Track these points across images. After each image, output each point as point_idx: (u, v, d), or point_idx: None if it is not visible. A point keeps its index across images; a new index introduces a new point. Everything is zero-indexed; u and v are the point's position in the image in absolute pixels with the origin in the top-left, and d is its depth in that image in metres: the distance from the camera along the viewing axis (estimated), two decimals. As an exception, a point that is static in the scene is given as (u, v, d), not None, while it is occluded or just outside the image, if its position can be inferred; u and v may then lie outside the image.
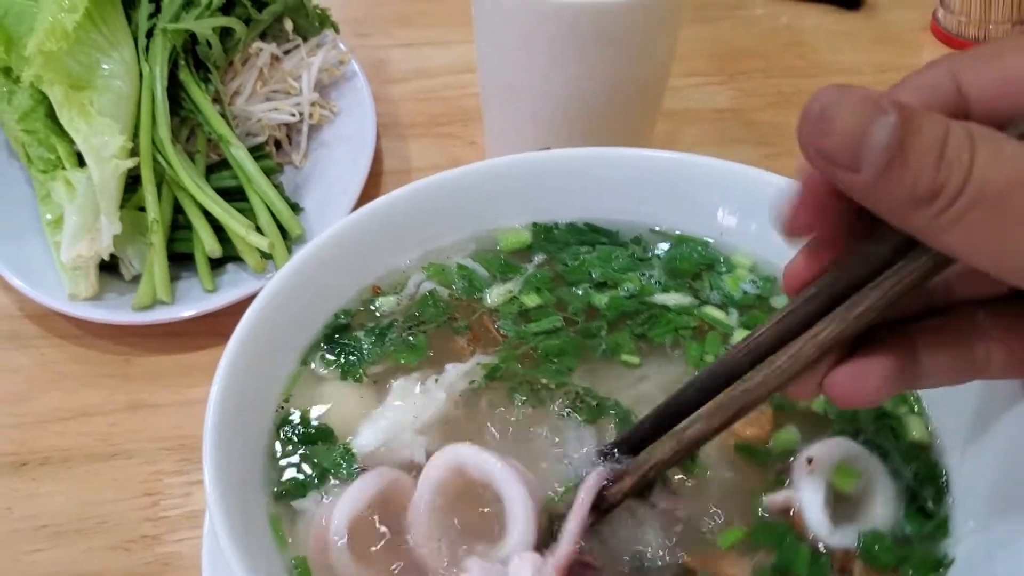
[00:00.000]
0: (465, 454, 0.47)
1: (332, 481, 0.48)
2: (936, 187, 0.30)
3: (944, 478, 0.48)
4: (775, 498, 0.47)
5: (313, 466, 0.49)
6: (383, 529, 0.46)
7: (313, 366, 0.54)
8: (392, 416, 0.50)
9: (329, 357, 0.54)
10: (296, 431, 0.51)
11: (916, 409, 0.50)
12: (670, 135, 0.93)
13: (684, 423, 0.43)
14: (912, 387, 0.39)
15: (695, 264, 0.58)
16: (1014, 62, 0.34)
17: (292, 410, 0.52)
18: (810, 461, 0.47)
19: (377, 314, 0.56)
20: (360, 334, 0.55)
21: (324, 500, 0.48)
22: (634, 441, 0.46)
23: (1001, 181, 0.30)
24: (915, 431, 0.49)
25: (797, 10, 1.12)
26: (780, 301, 0.56)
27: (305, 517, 0.47)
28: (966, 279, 0.39)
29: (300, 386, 0.53)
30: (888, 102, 0.30)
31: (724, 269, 0.58)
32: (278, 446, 0.50)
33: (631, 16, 0.65)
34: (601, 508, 0.45)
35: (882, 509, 0.46)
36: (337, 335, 0.55)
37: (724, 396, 0.41)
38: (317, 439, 0.50)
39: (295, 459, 0.50)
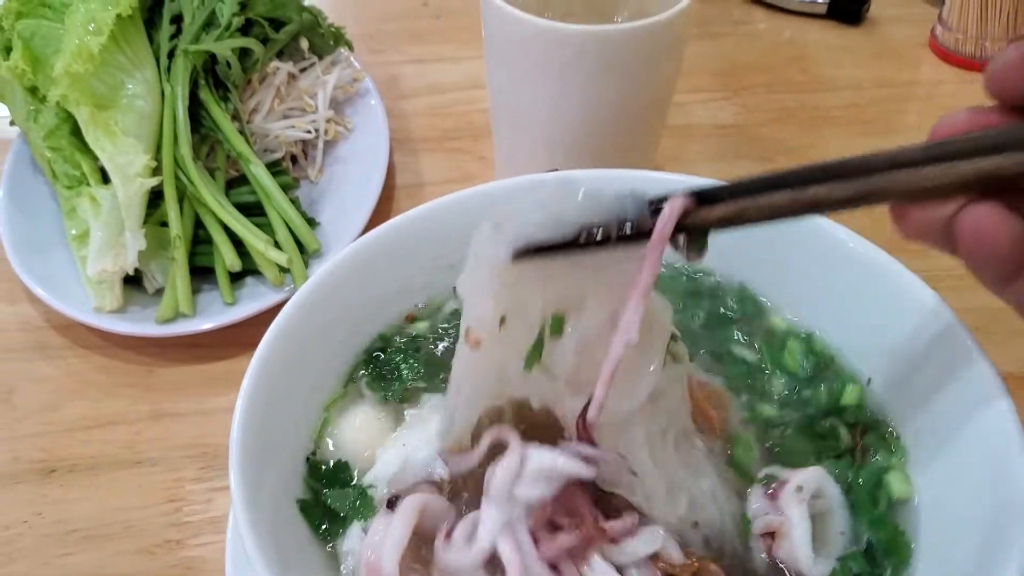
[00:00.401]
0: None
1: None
2: None
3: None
4: (764, 521, 0.49)
5: (337, 507, 0.51)
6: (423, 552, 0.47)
7: (339, 382, 0.56)
8: (409, 435, 0.53)
9: (359, 374, 0.56)
10: (319, 465, 0.53)
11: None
12: (675, 150, 0.95)
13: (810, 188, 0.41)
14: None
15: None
16: None
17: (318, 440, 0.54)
18: (800, 489, 0.48)
19: (409, 336, 0.59)
20: (388, 355, 0.57)
21: (363, 534, 0.49)
22: (742, 189, 0.43)
23: None
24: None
25: (799, 25, 1.15)
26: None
27: (350, 557, 0.49)
28: None
29: (325, 401, 0.55)
30: None
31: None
32: (306, 473, 0.53)
33: (636, 42, 0.68)
34: (688, 228, 0.42)
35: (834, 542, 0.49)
36: (370, 354, 0.58)
37: (860, 182, 0.40)
38: (336, 476, 0.52)
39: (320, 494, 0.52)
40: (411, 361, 0.57)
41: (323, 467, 0.53)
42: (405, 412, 0.55)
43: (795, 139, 0.95)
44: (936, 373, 0.51)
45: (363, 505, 0.51)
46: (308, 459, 0.53)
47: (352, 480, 0.53)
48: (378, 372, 0.57)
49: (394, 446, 0.53)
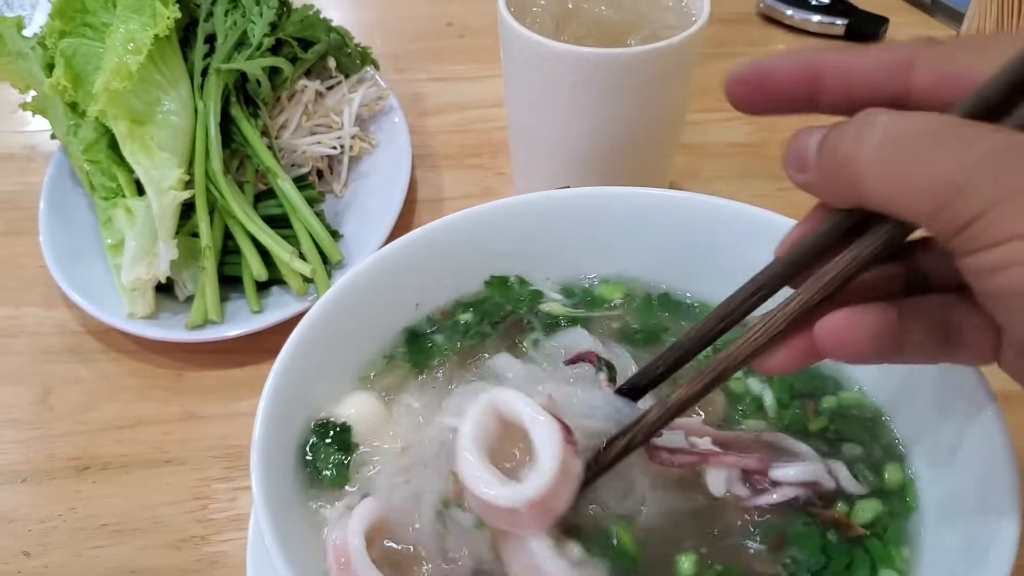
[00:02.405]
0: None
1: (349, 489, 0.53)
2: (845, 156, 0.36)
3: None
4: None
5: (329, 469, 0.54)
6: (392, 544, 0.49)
7: (355, 384, 0.59)
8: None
9: (370, 376, 0.59)
10: (321, 438, 0.55)
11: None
12: (691, 167, 0.98)
13: (668, 389, 0.46)
14: (896, 357, 0.41)
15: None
16: (963, 59, 0.38)
17: (321, 421, 0.56)
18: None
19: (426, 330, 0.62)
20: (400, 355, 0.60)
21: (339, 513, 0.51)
22: (624, 391, 0.49)
23: (902, 129, 0.35)
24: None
25: (816, 46, 1.17)
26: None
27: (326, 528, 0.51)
28: (938, 268, 0.42)
29: (336, 401, 0.58)
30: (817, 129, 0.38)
31: None
32: (308, 451, 0.55)
33: (647, 65, 0.70)
34: (593, 471, 0.46)
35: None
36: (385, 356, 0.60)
37: (705, 362, 0.44)
38: (335, 445, 0.55)
39: (318, 462, 0.54)
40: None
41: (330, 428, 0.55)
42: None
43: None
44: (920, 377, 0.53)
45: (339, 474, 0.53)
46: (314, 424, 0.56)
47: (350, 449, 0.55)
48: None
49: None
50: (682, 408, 0.45)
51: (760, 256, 0.57)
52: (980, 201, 0.33)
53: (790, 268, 0.43)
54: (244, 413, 0.76)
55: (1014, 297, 0.34)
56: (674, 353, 0.48)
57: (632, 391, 0.50)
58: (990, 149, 0.33)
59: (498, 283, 0.64)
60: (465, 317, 0.62)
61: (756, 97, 0.42)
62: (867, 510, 0.51)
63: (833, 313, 0.39)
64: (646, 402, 0.50)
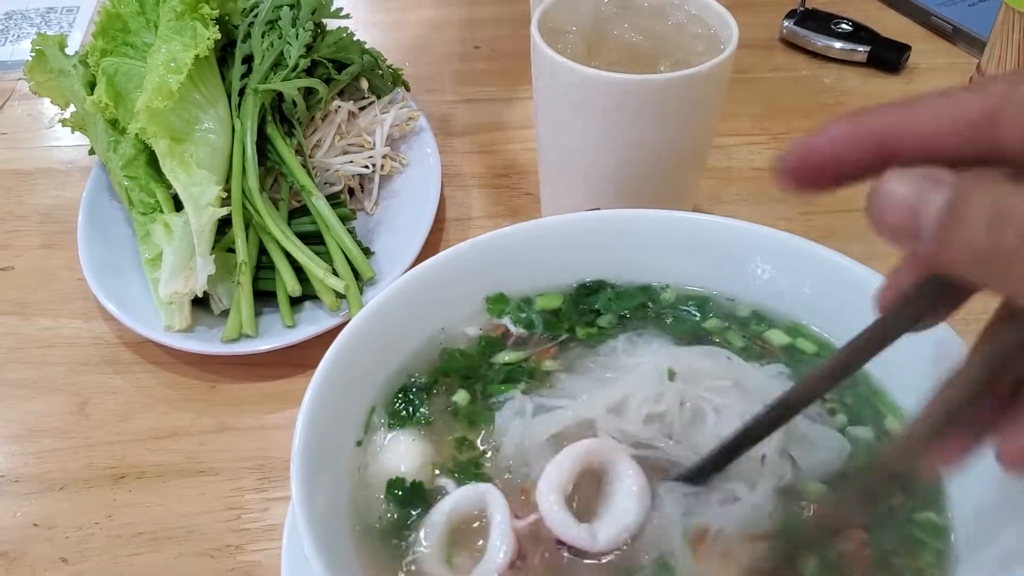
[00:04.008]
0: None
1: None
2: (991, 246, 0.30)
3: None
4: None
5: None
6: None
7: (384, 408, 0.60)
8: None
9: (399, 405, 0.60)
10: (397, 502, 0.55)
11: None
12: (716, 191, 0.99)
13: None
14: None
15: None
16: None
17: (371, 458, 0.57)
18: None
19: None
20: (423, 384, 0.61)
21: None
22: (704, 472, 0.50)
23: None
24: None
25: (840, 72, 1.19)
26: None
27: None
28: None
29: (374, 426, 0.59)
30: (945, 174, 0.32)
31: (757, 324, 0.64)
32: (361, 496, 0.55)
33: (676, 92, 0.72)
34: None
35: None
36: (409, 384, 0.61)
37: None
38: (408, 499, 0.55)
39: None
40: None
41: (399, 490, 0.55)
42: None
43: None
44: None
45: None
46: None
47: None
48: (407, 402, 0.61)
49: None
50: None
51: (783, 280, 0.59)
52: None
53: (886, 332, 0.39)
54: (276, 426, 0.78)
55: None
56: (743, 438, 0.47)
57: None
58: None
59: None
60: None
61: (810, 179, 0.36)
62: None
63: (1014, 439, 0.36)
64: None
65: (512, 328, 0.63)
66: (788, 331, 0.62)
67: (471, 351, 0.62)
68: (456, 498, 0.53)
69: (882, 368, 0.55)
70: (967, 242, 0.31)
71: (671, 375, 0.56)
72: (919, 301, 0.37)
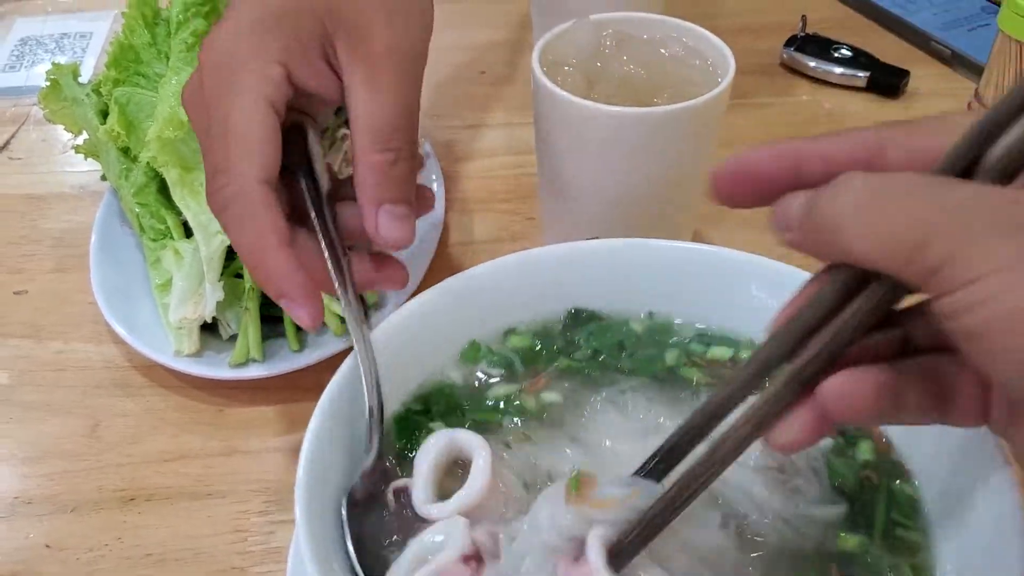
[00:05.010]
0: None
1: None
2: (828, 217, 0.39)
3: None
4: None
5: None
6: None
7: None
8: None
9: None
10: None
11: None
12: (716, 215, 1.00)
13: (676, 478, 0.47)
14: (894, 418, 0.42)
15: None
16: (928, 133, 0.41)
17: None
18: None
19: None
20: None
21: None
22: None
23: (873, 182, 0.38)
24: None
25: (840, 97, 1.20)
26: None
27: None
28: (929, 331, 0.43)
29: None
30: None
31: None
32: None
33: (673, 124, 0.74)
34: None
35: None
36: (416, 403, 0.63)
37: (706, 452, 0.45)
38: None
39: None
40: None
41: None
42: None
43: (829, 208, 1.00)
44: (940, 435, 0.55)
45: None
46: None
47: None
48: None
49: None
50: (690, 499, 0.46)
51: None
52: (950, 244, 0.35)
53: (788, 345, 0.43)
54: (281, 449, 0.80)
55: (992, 334, 0.35)
56: (670, 445, 0.48)
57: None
58: (958, 197, 0.36)
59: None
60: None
61: (740, 191, 0.44)
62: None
63: (833, 376, 0.41)
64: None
65: (488, 371, 0.65)
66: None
67: (463, 387, 0.64)
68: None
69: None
70: (816, 219, 0.39)
71: None
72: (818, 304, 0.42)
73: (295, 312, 0.61)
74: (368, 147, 0.61)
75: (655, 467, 0.50)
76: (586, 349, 0.65)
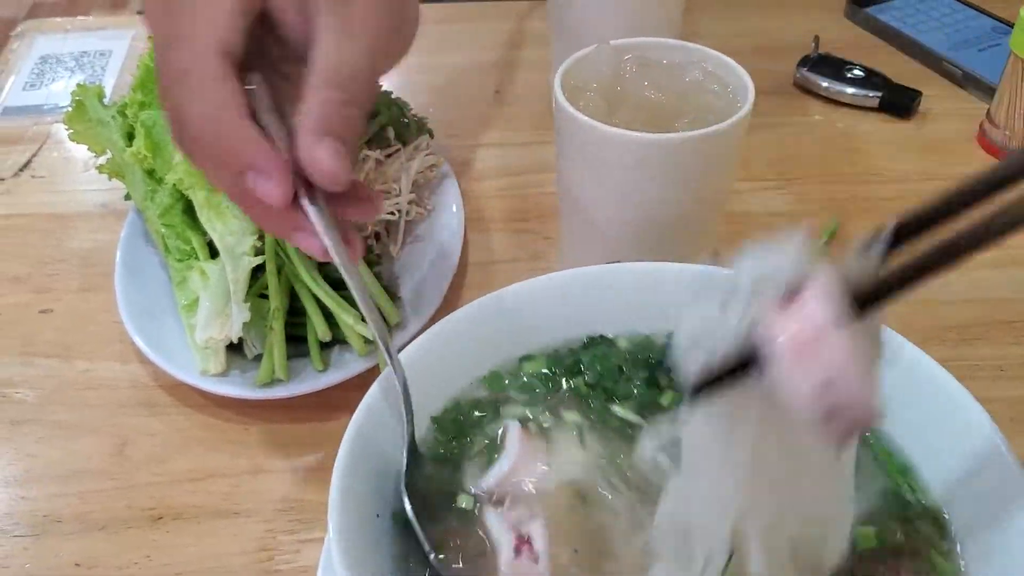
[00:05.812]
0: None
1: None
2: None
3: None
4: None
5: None
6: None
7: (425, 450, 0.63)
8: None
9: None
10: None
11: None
12: (732, 236, 1.01)
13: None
14: None
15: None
16: None
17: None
18: None
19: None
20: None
21: None
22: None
23: None
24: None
25: (852, 117, 1.21)
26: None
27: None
28: None
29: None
30: None
31: None
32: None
33: (694, 149, 0.75)
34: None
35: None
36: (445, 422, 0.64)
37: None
38: None
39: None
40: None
41: None
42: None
43: (842, 229, 1.01)
44: (964, 462, 0.56)
45: None
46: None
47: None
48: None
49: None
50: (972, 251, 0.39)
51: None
52: None
53: None
54: (308, 467, 0.81)
55: None
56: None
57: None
58: None
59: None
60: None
61: None
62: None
63: None
64: None
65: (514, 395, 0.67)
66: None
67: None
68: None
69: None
70: None
71: None
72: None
73: (264, 186, 0.55)
74: (323, 85, 0.57)
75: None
76: (586, 376, 0.67)
